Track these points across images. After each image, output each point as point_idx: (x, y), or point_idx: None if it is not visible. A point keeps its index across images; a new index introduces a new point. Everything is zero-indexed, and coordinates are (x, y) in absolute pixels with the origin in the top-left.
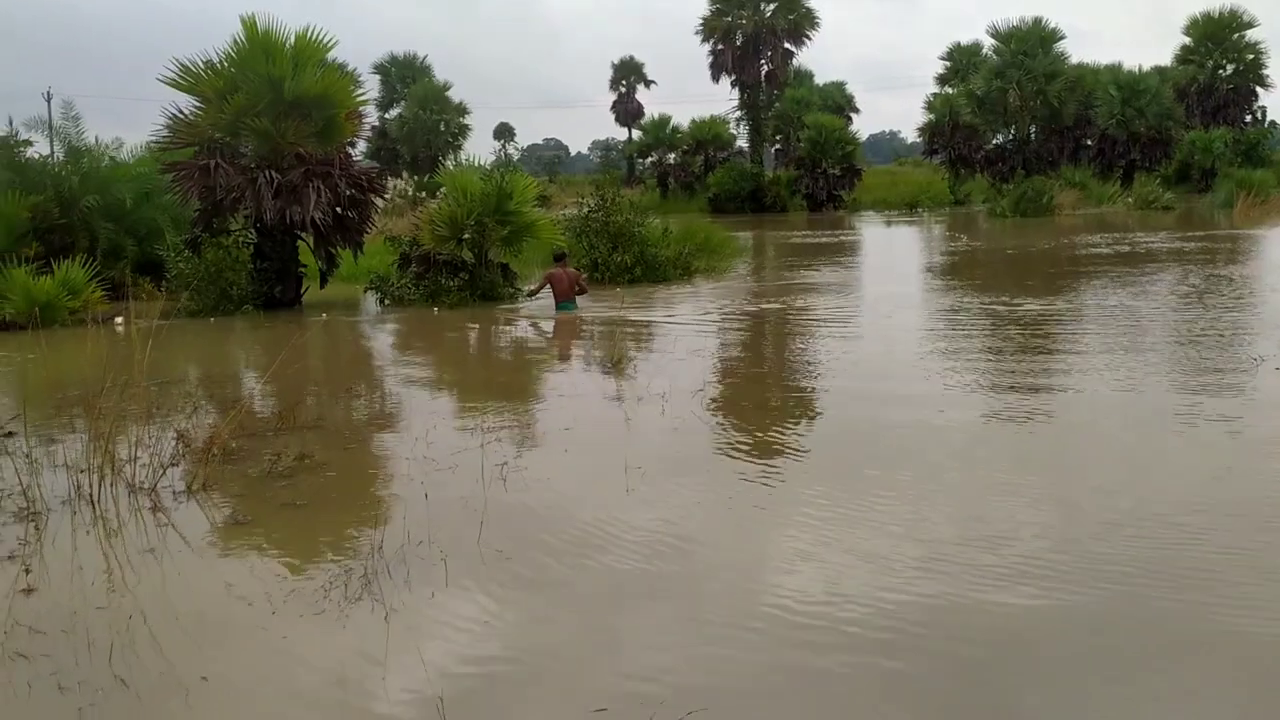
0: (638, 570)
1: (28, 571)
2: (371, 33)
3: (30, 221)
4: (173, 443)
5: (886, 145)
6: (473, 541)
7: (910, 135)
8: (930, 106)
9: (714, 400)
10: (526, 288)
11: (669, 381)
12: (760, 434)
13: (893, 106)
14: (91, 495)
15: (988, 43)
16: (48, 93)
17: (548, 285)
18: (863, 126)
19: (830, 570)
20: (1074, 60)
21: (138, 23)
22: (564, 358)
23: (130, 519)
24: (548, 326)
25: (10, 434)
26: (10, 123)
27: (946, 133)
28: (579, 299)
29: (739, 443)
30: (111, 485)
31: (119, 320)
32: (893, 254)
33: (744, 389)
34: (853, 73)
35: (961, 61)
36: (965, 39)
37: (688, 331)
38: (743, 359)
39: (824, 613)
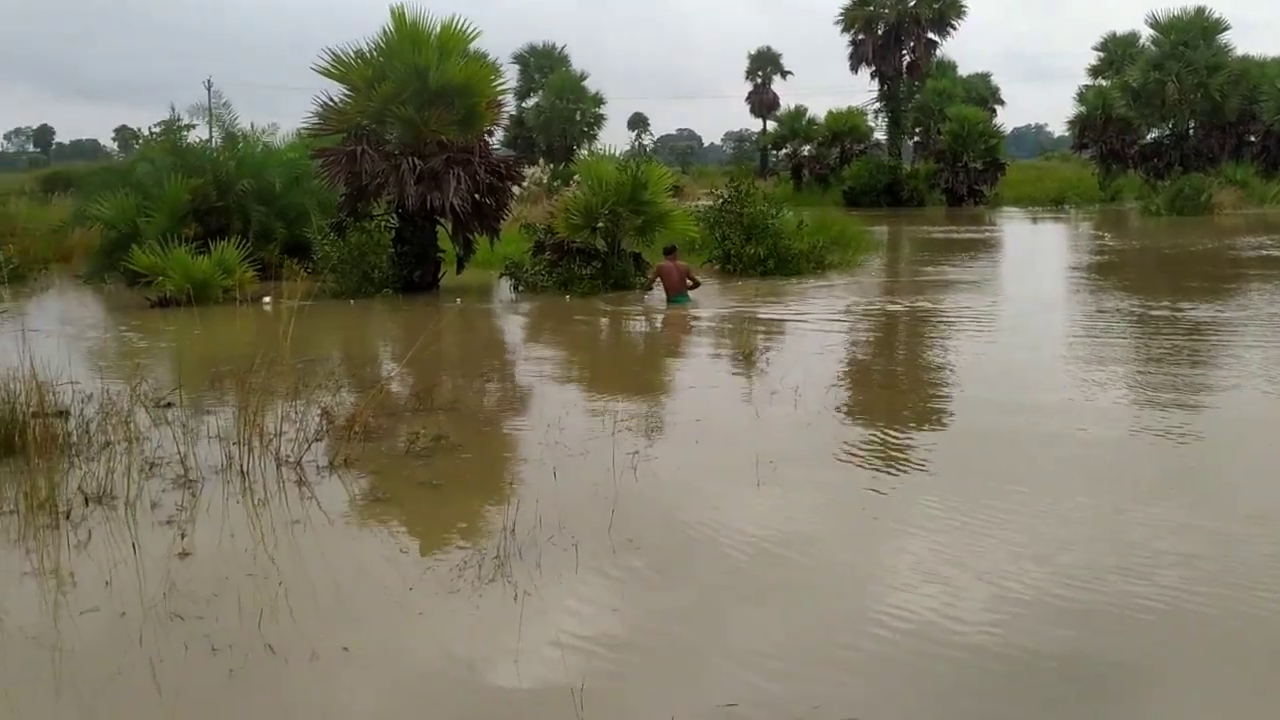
0: (766, 566)
1: (184, 536)
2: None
3: (190, 204)
4: (317, 419)
5: (1032, 139)
6: (603, 529)
7: (1058, 129)
8: (1081, 99)
9: (846, 398)
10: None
11: (802, 376)
12: (891, 436)
13: (1039, 99)
14: (242, 466)
15: (1145, 33)
16: (208, 81)
17: (659, 279)
18: (1007, 119)
19: (950, 588)
20: (1239, 53)
21: (290, 14)
22: (694, 349)
23: (277, 491)
24: (673, 318)
25: (170, 404)
26: (172, 109)
27: (1098, 126)
28: (692, 293)
29: (870, 444)
30: (260, 457)
31: (267, 299)
32: (1036, 251)
33: (876, 388)
34: (998, 63)
35: (1116, 52)
36: (1120, 29)
37: (820, 327)
38: (876, 357)
39: (944, 628)
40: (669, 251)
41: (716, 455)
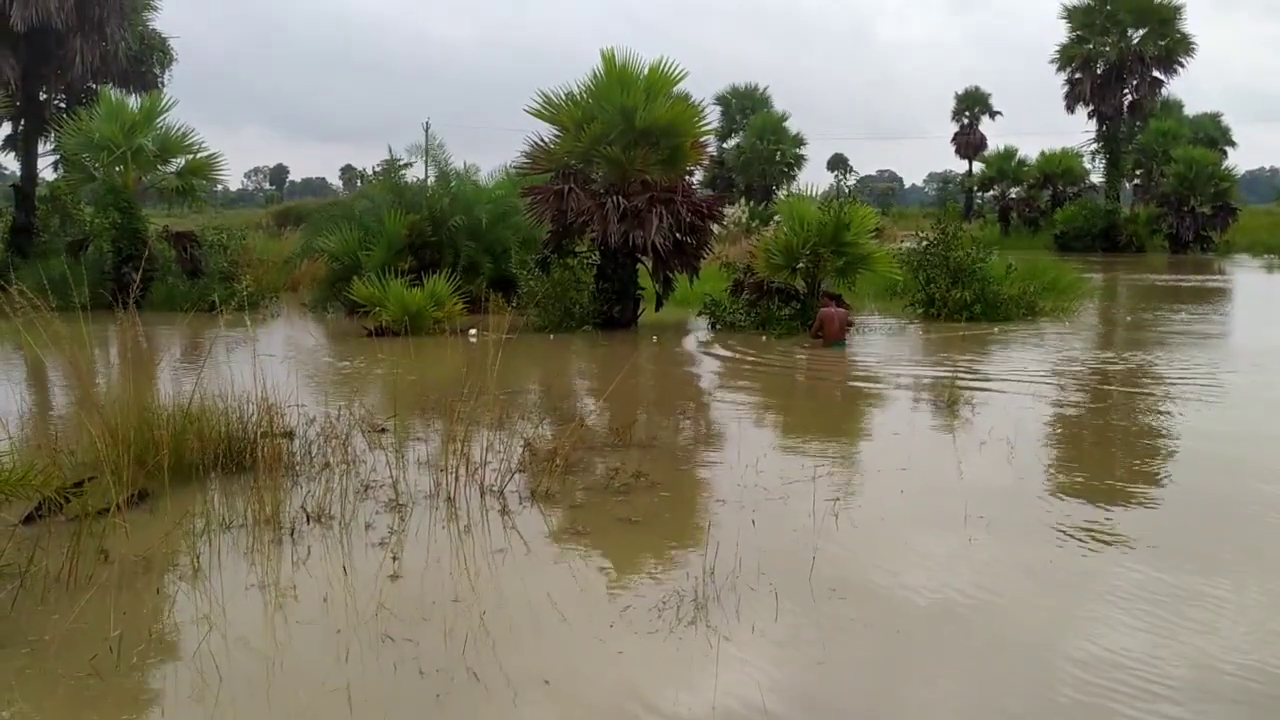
0: (977, 629)
1: (394, 559)
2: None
3: (407, 238)
4: (520, 450)
5: (1266, 183)
6: (804, 577)
7: None
8: None
9: (1058, 454)
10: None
11: (1011, 428)
12: (1105, 499)
13: (1275, 140)
14: (449, 493)
15: None
16: (426, 123)
17: (821, 325)
18: (1239, 161)
19: (1157, 667)
20: None
21: (496, 60)
22: (897, 394)
23: (481, 519)
24: (875, 359)
25: (384, 430)
26: (390, 151)
27: None
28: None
29: (1082, 505)
30: (466, 485)
31: (473, 332)
32: (1273, 304)
33: (1090, 446)
34: (1228, 101)
35: None
36: None
37: (1031, 377)
38: (1090, 412)
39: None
40: (833, 298)
41: (924, 506)
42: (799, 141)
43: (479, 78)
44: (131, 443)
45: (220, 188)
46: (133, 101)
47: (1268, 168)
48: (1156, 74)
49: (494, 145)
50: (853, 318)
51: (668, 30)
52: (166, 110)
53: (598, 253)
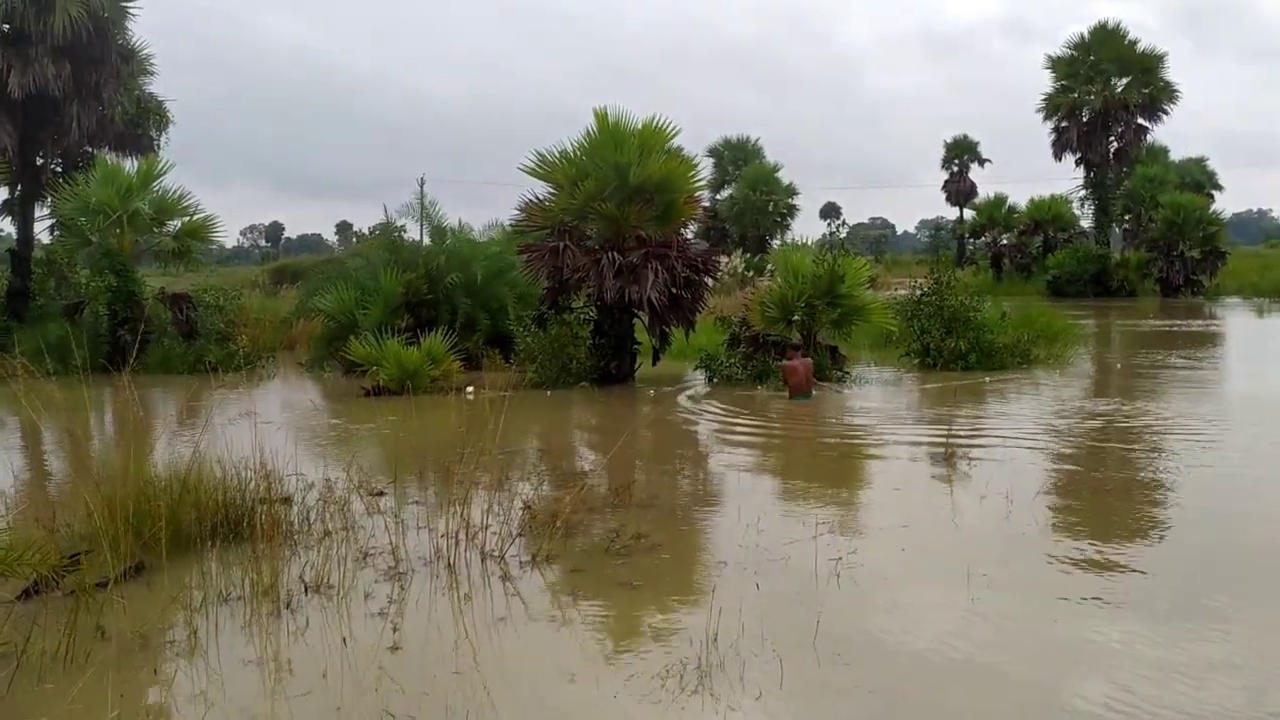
0: (983, 692)
1: (394, 630)
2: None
3: (403, 296)
4: (520, 512)
5: (1254, 225)
6: (808, 641)
7: None
8: None
9: (1058, 507)
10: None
11: (1009, 482)
12: (1106, 553)
13: (1262, 182)
14: (449, 560)
15: None
16: (421, 178)
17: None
18: (1226, 204)
19: None
20: None
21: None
22: (895, 447)
23: (482, 585)
24: (872, 412)
25: (381, 493)
26: (385, 210)
27: None
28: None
29: (1085, 560)
30: (466, 550)
31: (470, 389)
32: (1264, 348)
33: (1089, 497)
34: (1213, 145)
35: None
36: None
37: (1027, 428)
38: (1088, 463)
39: None
40: (795, 348)
41: (925, 565)
42: (791, 191)
43: (467, 133)
44: (129, 514)
45: (216, 246)
46: (129, 165)
47: (1255, 210)
48: (1141, 121)
49: (485, 200)
50: (834, 363)
51: (654, 81)
52: (163, 174)
53: (594, 308)
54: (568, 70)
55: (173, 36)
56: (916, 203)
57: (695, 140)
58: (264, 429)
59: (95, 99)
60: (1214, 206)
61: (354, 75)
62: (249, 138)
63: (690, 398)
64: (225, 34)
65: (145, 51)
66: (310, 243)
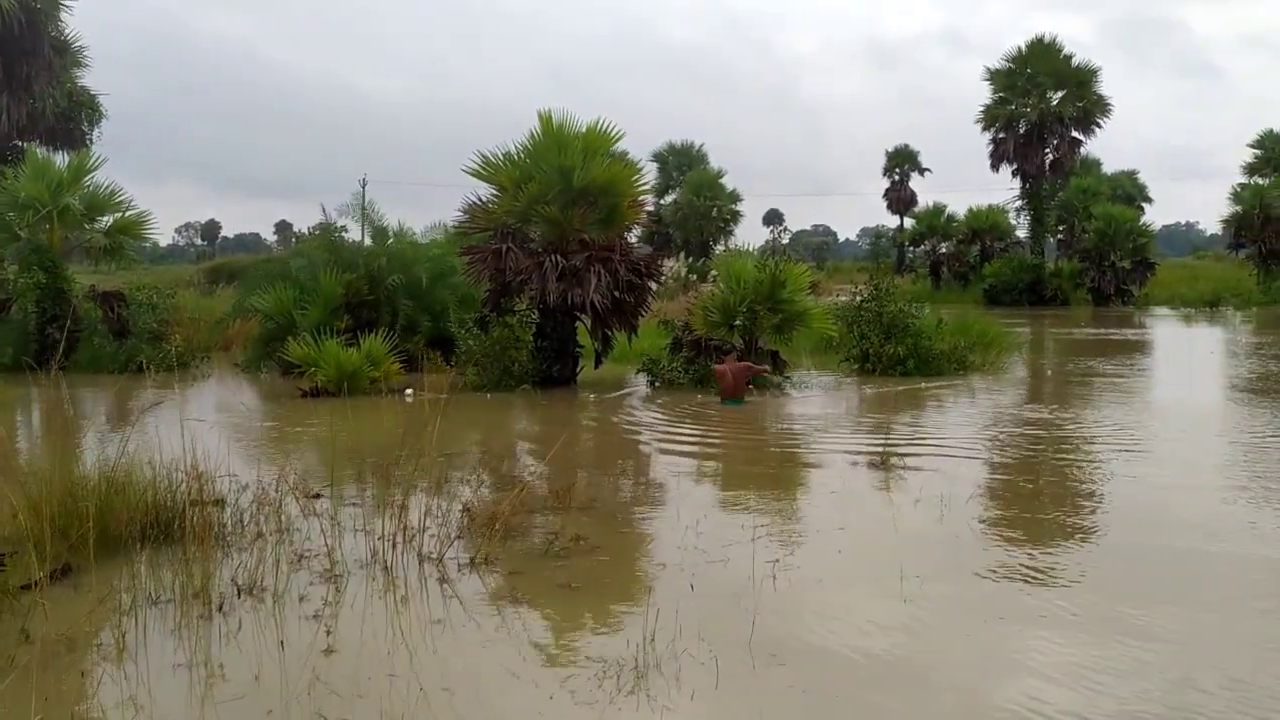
0: (911, 690)
1: (329, 633)
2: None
3: (343, 297)
4: (459, 515)
5: (1182, 237)
6: (744, 642)
7: (1211, 227)
8: (1237, 197)
9: (991, 511)
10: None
11: (944, 486)
12: (1037, 555)
13: (1190, 196)
14: (386, 562)
15: None
16: (362, 180)
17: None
18: (1156, 216)
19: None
20: None
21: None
22: (834, 452)
23: (419, 588)
24: (811, 416)
25: (318, 495)
26: (323, 210)
27: (1256, 225)
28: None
29: (1016, 561)
30: (403, 553)
31: (409, 392)
32: (1191, 357)
33: (1023, 501)
34: (1144, 159)
35: (1274, 150)
36: (1278, 126)
37: (962, 433)
38: (1021, 467)
39: None
40: (728, 352)
41: (860, 567)
42: (735, 197)
43: (403, 134)
44: (54, 514)
45: (149, 244)
46: (60, 159)
47: (1183, 223)
48: (1076, 134)
49: (423, 202)
50: (775, 367)
51: (594, 87)
52: (94, 169)
53: (536, 311)
54: (506, 72)
55: (107, 30)
56: (858, 211)
57: (636, 144)
58: (197, 429)
59: (26, 91)
60: (1144, 219)
61: (290, 73)
62: (183, 134)
63: (632, 401)
64: (159, 28)
65: (79, 44)
66: (248, 242)
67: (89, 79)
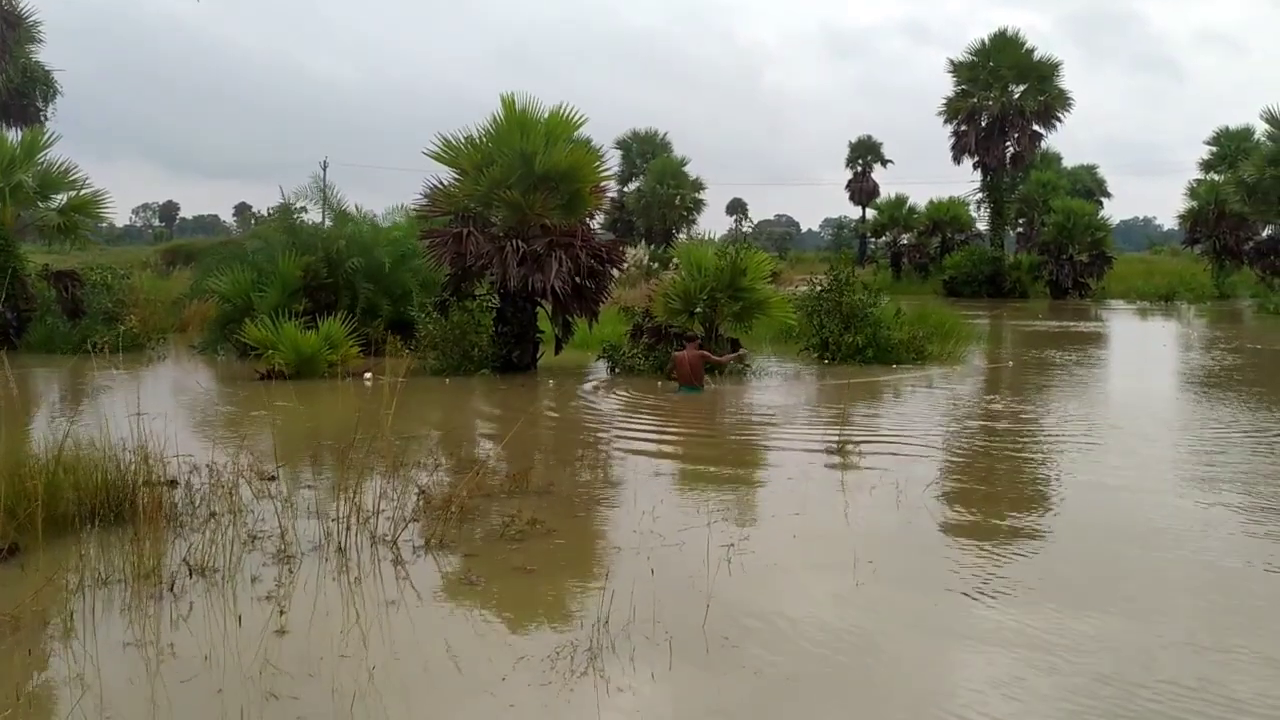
0: (862, 672)
1: (282, 613)
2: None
3: (302, 279)
4: (414, 498)
5: (1139, 232)
6: (698, 625)
7: (1167, 222)
8: (1193, 193)
9: (945, 498)
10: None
11: (901, 473)
12: (989, 541)
13: (1148, 191)
14: (340, 543)
15: (1261, 128)
16: (323, 162)
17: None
18: (1114, 211)
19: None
20: None
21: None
22: (791, 439)
23: (372, 569)
24: (769, 404)
25: (273, 478)
26: (281, 191)
27: (1210, 221)
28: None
29: (968, 548)
30: (357, 535)
31: (368, 375)
32: (1145, 349)
33: (977, 489)
34: (1103, 154)
35: (1229, 147)
36: (1234, 123)
37: (919, 422)
38: (975, 456)
39: None
40: (690, 339)
41: (814, 551)
42: (698, 186)
43: (355, 116)
44: (1, 493)
45: (105, 224)
46: (13, 135)
47: (1141, 218)
48: (1036, 127)
49: (378, 184)
50: (739, 353)
51: (553, 74)
52: (48, 145)
53: (497, 296)
54: (462, 55)
55: (54, 4)
56: (821, 201)
57: (597, 131)
58: (151, 410)
59: None
60: (1102, 213)
61: (242, 54)
62: (134, 113)
63: (592, 387)
64: (108, 5)
65: (33, 18)
66: (206, 224)
67: (43, 55)
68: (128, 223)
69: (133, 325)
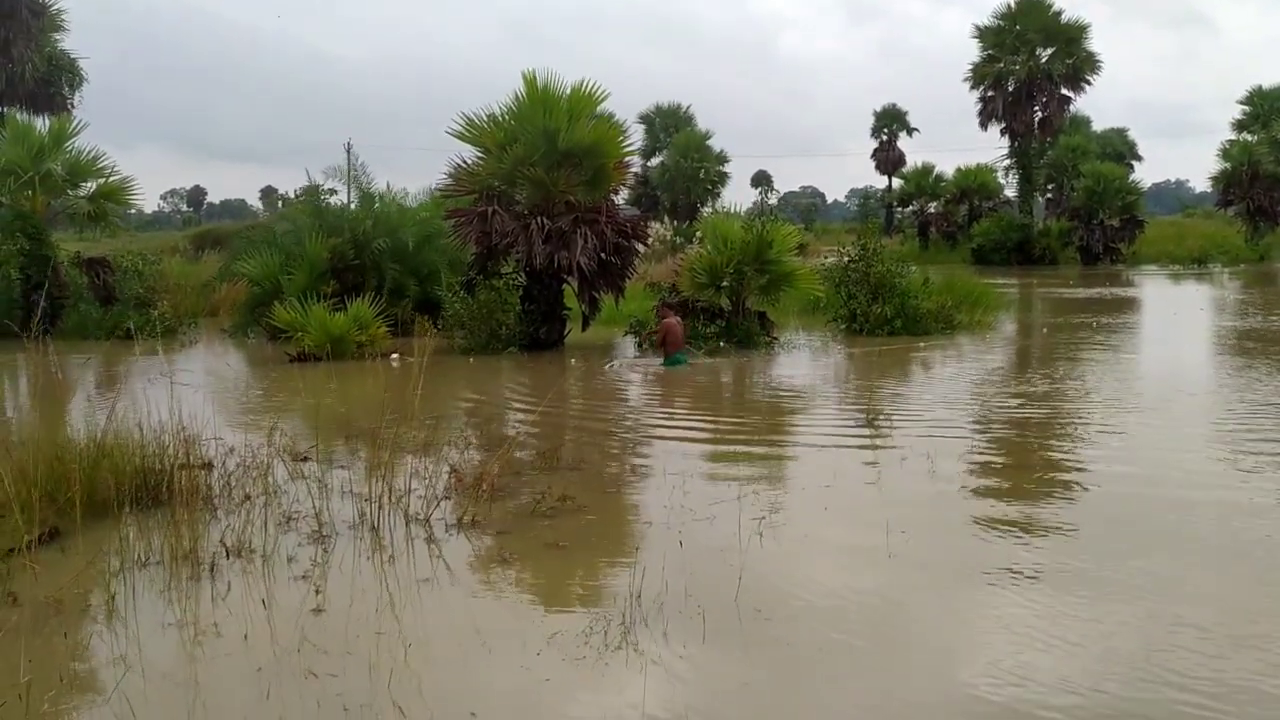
0: (898, 644)
1: (318, 592)
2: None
3: (329, 261)
4: (446, 476)
5: (1171, 195)
6: (730, 598)
7: (1200, 184)
8: (1226, 154)
9: (978, 468)
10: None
11: (932, 443)
12: (1024, 511)
13: (1179, 153)
14: (373, 523)
15: None
16: (349, 144)
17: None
18: (1145, 174)
19: (1065, 682)
20: None
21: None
22: (821, 410)
23: (406, 548)
24: (798, 376)
25: (306, 458)
26: (307, 174)
27: (1244, 183)
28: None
29: (1002, 518)
30: (390, 514)
31: (395, 356)
32: (1180, 314)
33: (1010, 457)
34: (1133, 116)
35: (1263, 107)
36: (1267, 82)
37: (949, 391)
38: (1008, 423)
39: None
40: (671, 307)
41: (846, 523)
42: (723, 159)
43: (373, 98)
44: (41, 478)
45: (134, 210)
46: (41, 124)
47: (1172, 180)
48: (1065, 91)
49: (403, 165)
50: (763, 328)
51: (569, 47)
52: (76, 133)
53: (523, 274)
54: (476, 32)
55: None
56: (847, 171)
57: (617, 105)
58: (185, 394)
59: (4, 55)
60: (1133, 176)
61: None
62: (151, 99)
63: (619, 363)
64: None
65: (56, 7)
66: (234, 208)
67: (68, 42)
68: (156, 208)
69: (164, 310)
